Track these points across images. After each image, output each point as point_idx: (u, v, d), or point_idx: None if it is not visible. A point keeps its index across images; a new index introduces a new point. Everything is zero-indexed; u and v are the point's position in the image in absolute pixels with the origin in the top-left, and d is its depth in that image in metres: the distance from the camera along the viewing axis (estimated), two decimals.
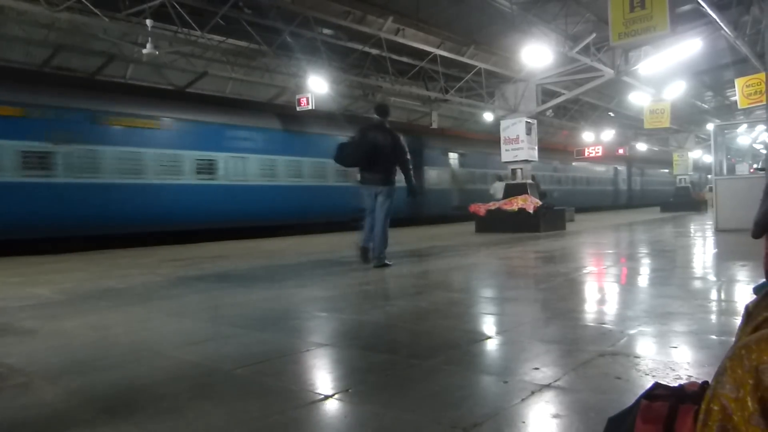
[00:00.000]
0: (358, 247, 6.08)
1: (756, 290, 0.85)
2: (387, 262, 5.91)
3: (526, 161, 12.57)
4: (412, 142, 15.68)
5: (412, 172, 6.13)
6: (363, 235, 6.01)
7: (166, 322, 3.49)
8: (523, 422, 1.66)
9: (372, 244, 5.91)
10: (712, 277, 4.91)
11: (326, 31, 11.57)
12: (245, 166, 13.15)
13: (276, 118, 14.25)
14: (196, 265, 6.80)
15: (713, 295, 4.00)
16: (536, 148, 12.92)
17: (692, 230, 11.40)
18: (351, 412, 1.83)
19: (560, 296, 3.99)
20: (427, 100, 16.69)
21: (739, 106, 12.45)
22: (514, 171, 12.70)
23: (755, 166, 20.56)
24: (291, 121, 14.23)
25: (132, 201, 11.10)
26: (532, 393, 1.87)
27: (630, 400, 0.94)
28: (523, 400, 1.82)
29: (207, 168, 12.46)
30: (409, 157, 6.10)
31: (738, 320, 0.87)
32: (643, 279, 5.00)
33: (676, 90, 15.77)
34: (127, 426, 1.73)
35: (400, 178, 6.16)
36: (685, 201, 22.08)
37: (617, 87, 15.98)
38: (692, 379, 1.83)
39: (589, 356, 2.30)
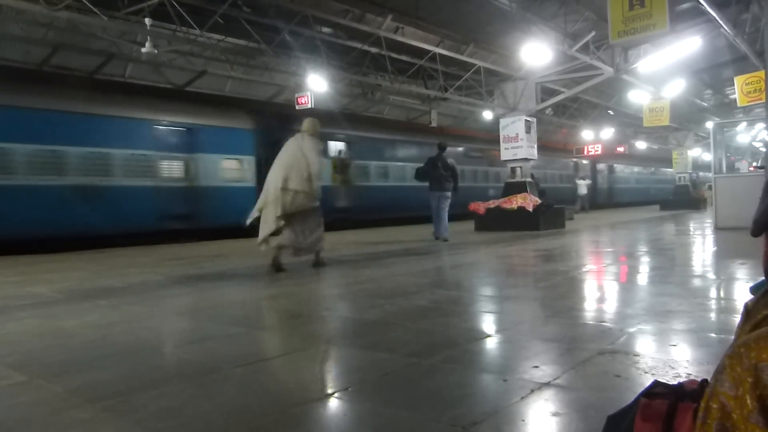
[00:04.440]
0: (433, 233, 9.44)
1: (753, 289, 0.85)
2: (446, 238, 9.23)
3: (526, 159, 12.57)
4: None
5: (458, 182, 9.75)
6: (434, 225, 9.44)
7: (166, 321, 3.49)
8: (523, 420, 1.67)
9: (439, 229, 9.34)
10: (711, 276, 4.92)
11: (325, 29, 11.55)
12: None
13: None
14: (195, 263, 6.80)
15: (712, 293, 4.00)
16: (535, 146, 12.92)
17: (691, 228, 11.41)
18: (350, 410, 1.83)
19: (559, 294, 3.99)
20: (427, 98, 16.67)
21: (739, 104, 12.44)
22: (513, 169, 12.69)
23: (754, 164, 20.55)
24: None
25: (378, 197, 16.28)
26: (532, 391, 1.87)
27: (629, 398, 0.95)
28: (522, 398, 1.82)
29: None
30: (458, 173, 9.70)
31: (737, 318, 0.87)
32: (643, 277, 5.01)
33: (676, 88, 15.76)
34: (127, 424, 1.73)
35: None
36: (685, 199, 22.10)
37: (616, 85, 15.98)
38: (691, 377, 1.83)
39: (589, 354, 2.30)
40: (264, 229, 5.56)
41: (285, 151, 5.72)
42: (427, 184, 9.62)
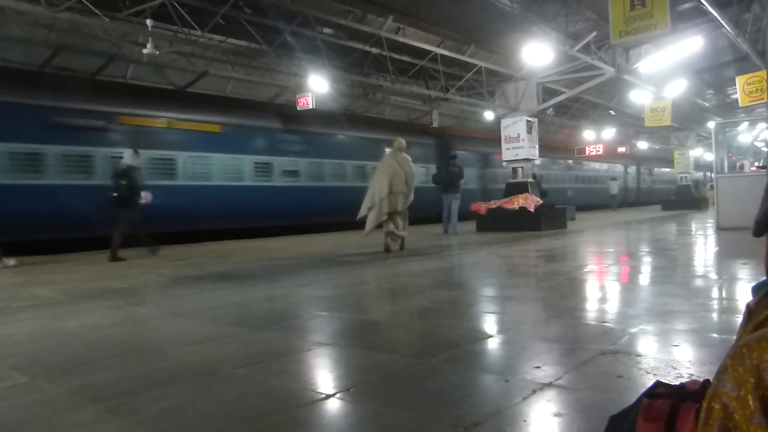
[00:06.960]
0: (443, 229, 11.38)
1: (755, 290, 0.84)
2: (456, 232, 11.03)
3: (527, 160, 12.56)
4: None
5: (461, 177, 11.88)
6: (443, 221, 11.50)
7: (168, 322, 3.50)
8: (525, 421, 1.66)
9: (450, 225, 11.29)
10: (713, 276, 4.91)
11: (327, 30, 11.56)
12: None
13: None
14: (197, 264, 6.81)
15: (714, 293, 3.99)
16: (537, 146, 12.91)
17: (693, 228, 11.39)
18: (352, 411, 1.83)
19: (561, 295, 3.98)
20: (428, 99, 16.68)
21: (740, 104, 12.44)
22: (515, 170, 12.69)
23: (756, 164, 20.52)
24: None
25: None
26: (534, 392, 1.87)
27: (631, 398, 0.95)
28: (524, 398, 1.82)
29: None
30: (463, 174, 11.90)
31: (739, 318, 0.87)
32: (645, 277, 5.00)
33: (677, 88, 15.73)
34: (129, 425, 1.74)
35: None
36: (686, 199, 22.07)
37: (618, 85, 15.96)
38: (693, 378, 1.83)
39: (591, 355, 2.30)
40: (370, 224, 7.29)
41: (383, 165, 7.47)
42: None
